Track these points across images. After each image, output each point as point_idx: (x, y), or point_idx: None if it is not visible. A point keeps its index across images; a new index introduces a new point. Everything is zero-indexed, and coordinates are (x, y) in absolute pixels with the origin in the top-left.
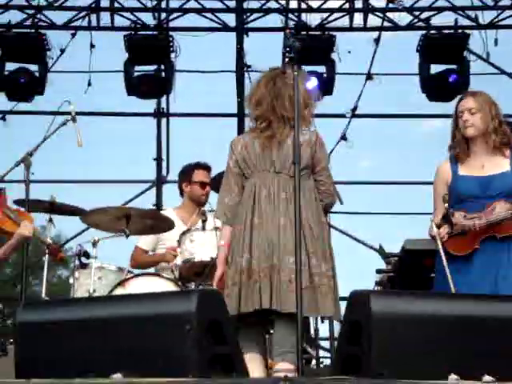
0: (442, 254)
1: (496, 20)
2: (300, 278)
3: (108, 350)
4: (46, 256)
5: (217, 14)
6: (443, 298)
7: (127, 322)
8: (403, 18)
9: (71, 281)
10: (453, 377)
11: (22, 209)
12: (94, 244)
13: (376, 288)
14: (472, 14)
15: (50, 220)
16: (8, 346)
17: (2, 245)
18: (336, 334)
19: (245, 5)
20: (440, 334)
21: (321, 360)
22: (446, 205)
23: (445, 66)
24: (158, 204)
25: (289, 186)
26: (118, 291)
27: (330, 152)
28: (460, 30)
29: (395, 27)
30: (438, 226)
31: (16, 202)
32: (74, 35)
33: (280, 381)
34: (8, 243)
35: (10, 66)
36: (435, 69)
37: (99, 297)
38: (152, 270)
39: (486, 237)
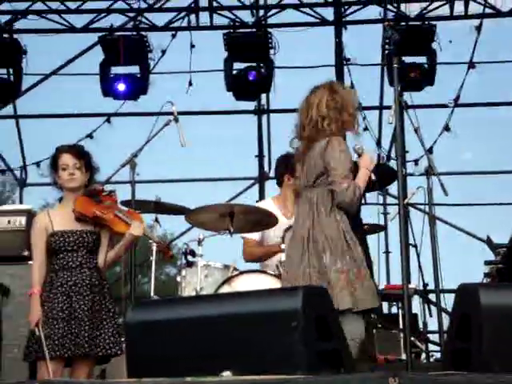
0: None
1: None
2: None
3: (216, 349)
4: (154, 254)
5: (315, 9)
6: None
7: (234, 320)
8: (505, 4)
9: (178, 279)
10: None
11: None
12: (200, 242)
13: (485, 280)
14: None
15: (156, 220)
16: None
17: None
18: (445, 328)
19: None
20: None
21: (431, 354)
22: None
23: None
24: (261, 200)
25: (310, 196)
26: (225, 289)
27: (434, 143)
28: None
29: (497, 13)
30: None
31: (122, 202)
32: (174, 36)
33: (389, 377)
34: (120, 243)
35: (116, 70)
36: None
37: (206, 295)
38: (257, 266)
39: None
